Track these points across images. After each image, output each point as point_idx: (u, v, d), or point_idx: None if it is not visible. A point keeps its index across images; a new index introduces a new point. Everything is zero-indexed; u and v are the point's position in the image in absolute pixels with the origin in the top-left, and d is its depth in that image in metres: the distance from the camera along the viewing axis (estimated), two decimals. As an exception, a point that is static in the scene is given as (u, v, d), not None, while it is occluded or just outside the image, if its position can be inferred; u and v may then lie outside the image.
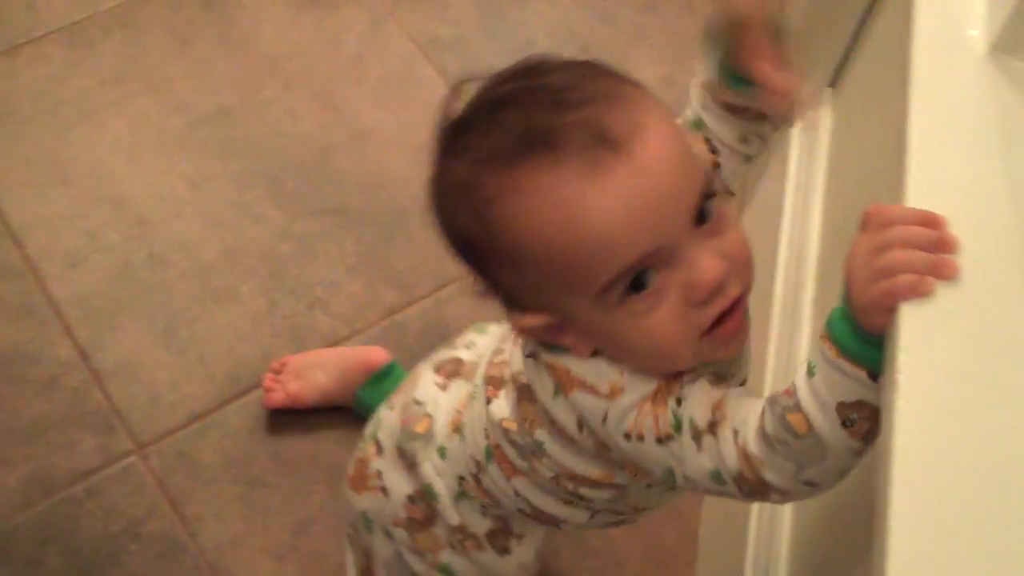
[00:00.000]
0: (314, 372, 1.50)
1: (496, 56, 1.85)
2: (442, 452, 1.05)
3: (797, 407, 0.73)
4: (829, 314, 0.72)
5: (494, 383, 0.98)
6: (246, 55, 1.86)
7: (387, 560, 1.14)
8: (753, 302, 0.82)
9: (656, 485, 0.96)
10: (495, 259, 0.80)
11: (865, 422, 0.70)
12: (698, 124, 0.88)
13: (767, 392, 0.90)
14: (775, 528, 1.22)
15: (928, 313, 0.64)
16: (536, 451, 0.94)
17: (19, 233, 1.66)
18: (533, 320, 0.83)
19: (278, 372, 1.52)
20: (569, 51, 1.86)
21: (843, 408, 0.71)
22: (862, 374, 0.69)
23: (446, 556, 1.09)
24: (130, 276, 1.63)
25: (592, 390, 0.84)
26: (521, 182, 0.74)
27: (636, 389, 0.82)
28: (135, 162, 1.74)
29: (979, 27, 0.76)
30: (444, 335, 1.29)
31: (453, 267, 0.88)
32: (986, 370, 0.62)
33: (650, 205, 0.73)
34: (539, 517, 1.03)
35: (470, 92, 0.81)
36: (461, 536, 1.07)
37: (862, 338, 0.69)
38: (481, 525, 1.07)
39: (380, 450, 1.10)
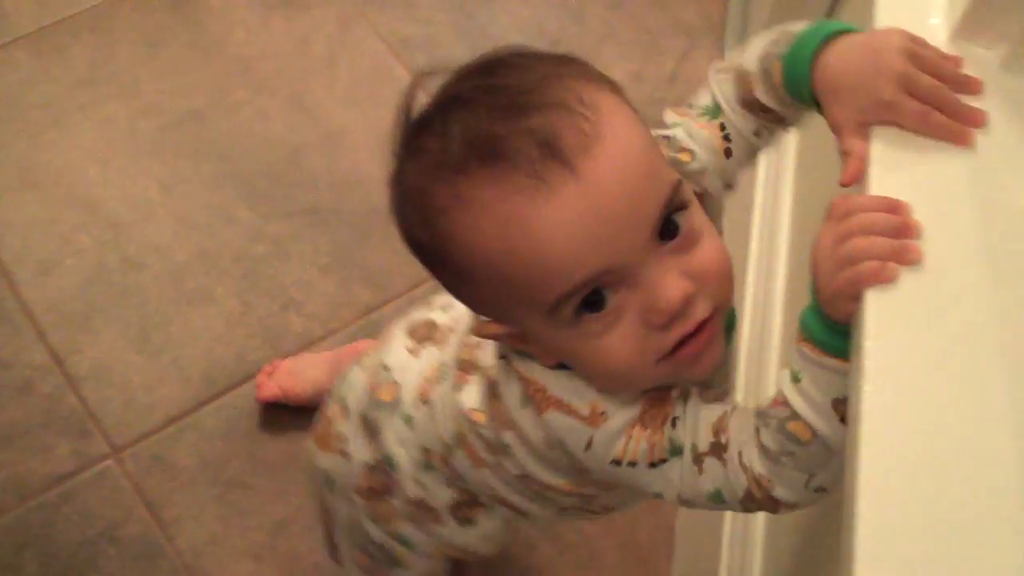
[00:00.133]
0: (307, 369, 1.51)
1: (466, 55, 1.81)
2: (408, 421, 1.01)
3: (795, 415, 0.72)
4: (800, 315, 0.72)
5: (464, 367, 0.93)
6: (217, 58, 1.86)
7: (345, 523, 1.11)
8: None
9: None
10: (448, 269, 0.77)
11: None
12: (715, 111, 0.85)
13: (739, 399, 0.88)
14: (750, 518, 1.23)
15: (893, 299, 0.64)
16: (503, 450, 0.91)
17: (-10, 239, 1.65)
18: (496, 328, 0.81)
19: (270, 374, 1.52)
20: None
21: (838, 404, 0.70)
22: (846, 366, 0.68)
23: (403, 527, 1.06)
24: (103, 280, 1.63)
25: (571, 411, 0.81)
26: (466, 195, 0.71)
27: (622, 413, 0.79)
28: (107, 166, 1.73)
29: (940, 15, 0.77)
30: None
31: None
32: (951, 353, 0.63)
33: (600, 224, 0.69)
34: (505, 505, 1.00)
35: (435, 85, 0.77)
36: (418, 509, 1.04)
37: (835, 330, 0.69)
38: (445, 496, 1.03)
39: (346, 413, 1.06)
